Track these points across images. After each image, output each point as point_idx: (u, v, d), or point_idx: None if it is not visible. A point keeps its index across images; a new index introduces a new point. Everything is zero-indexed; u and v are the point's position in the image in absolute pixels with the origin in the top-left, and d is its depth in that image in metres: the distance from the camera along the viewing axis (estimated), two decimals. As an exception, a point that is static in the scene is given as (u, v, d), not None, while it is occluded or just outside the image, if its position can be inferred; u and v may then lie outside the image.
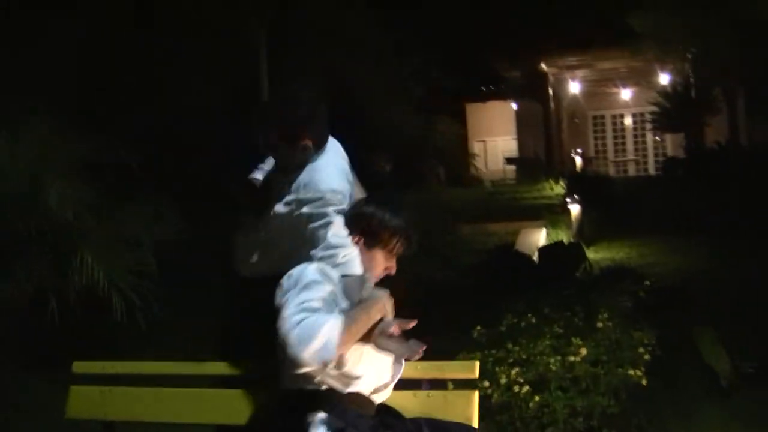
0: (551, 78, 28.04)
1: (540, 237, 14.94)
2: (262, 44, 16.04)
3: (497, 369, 5.40)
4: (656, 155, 31.87)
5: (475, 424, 3.34)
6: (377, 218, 3.37)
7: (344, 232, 3.36)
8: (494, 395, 5.21)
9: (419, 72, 22.51)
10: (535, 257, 12.14)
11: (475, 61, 27.28)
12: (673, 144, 29.81)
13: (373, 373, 3.21)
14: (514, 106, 31.56)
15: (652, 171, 30.80)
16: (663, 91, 26.02)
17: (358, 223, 3.38)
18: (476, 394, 3.40)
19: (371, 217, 3.37)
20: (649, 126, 28.82)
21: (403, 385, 3.41)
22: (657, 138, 31.31)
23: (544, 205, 19.80)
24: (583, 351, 5.44)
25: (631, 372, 5.33)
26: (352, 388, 3.16)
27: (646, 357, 5.58)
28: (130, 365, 4.22)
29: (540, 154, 28.91)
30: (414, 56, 23.12)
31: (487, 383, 5.22)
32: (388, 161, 19.69)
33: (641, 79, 28.77)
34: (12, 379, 8.15)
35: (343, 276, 3.25)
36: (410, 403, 3.43)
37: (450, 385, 3.71)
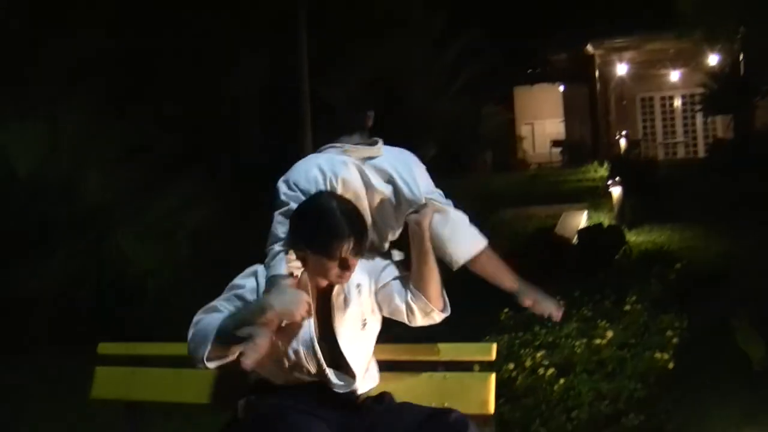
0: (598, 60, 27.72)
1: (581, 220, 14.78)
2: (302, 26, 16.02)
3: (522, 351, 5.40)
4: (706, 137, 31.41)
5: (491, 407, 3.31)
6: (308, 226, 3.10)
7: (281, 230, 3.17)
8: (519, 378, 5.21)
9: (466, 55, 22.37)
10: (575, 240, 12.03)
11: (522, 44, 27.08)
12: (723, 126, 29.36)
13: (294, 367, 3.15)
14: (561, 88, 31.32)
15: (701, 153, 30.36)
16: (711, 72, 25.60)
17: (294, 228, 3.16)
18: (493, 376, 3.35)
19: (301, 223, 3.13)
20: (698, 108, 28.40)
21: (419, 367, 3.41)
22: (707, 120, 30.84)
23: (586, 189, 19.63)
24: (609, 334, 5.42)
25: (659, 355, 5.29)
26: (280, 379, 3.18)
27: (675, 341, 5.54)
28: (154, 346, 4.29)
29: (586, 137, 28.67)
30: (461, 40, 23.02)
31: (511, 365, 5.22)
32: (431, 146, 19.63)
33: (691, 60, 28.29)
34: (45, 361, 8.31)
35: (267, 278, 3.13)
36: (426, 386, 3.41)
37: (476, 367, 3.72)
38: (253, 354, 2.89)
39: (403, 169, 3.29)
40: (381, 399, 3.24)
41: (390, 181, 3.27)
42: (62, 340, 8.36)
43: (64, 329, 8.29)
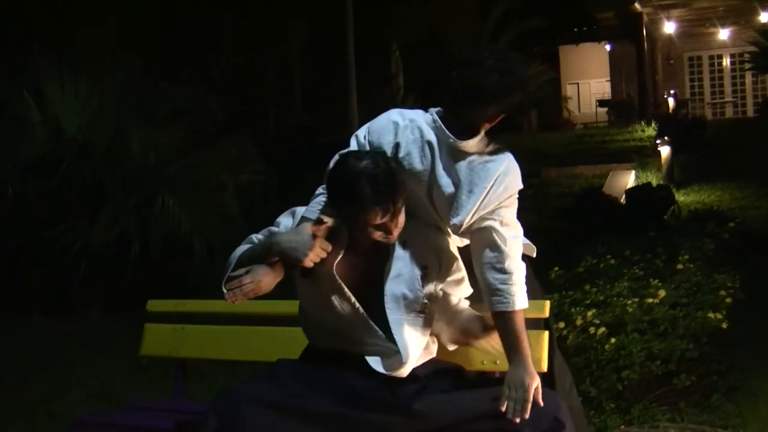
0: (646, 18, 27.25)
1: (629, 180, 14.64)
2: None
3: (573, 310, 5.31)
4: (755, 97, 30.91)
5: (545, 365, 3.20)
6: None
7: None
8: (570, 337, 5.14)
9: (513, 14, 22.15)
10: (623, 200, 11.94)
11: (568, 2, 26.75)
12: (773, 86, 28.93)
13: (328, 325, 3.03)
14: (607, 47, 30.94)
15: (750, 113, 29.89)
16: (762, 30, 25.09)
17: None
18: (546, 334, 3.25)
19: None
20: (748, 66, 27.91)
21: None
22: (756, 80, 30.35)
23: (634, 148, 19.43)
24: (662, 293, 5.31)
25: (711, 315, 5.18)
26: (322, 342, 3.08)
27: (728, 300, 5.42)
28: (203, 303, 4.29)
29: (633, 97, 28.32)
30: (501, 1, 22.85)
31: (562, 324, 5.15)
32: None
33: (740, 17, 27.74)
34: (92, 321, 8.42)
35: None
36: (479, 344, 3.34)
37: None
38: (237, 290, 2.81)
39: (474, 182, 2.95)
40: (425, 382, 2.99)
41: (455, 183, 2.97)
42: (109, 299, 8.46)
43: (112, 288, 8.38)
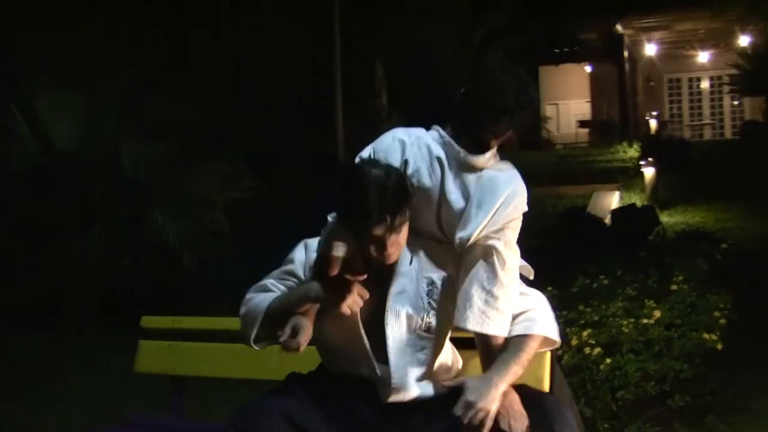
0: (627, 40, 27.49)
1: (613, 200, 14.72)
2: (336, 5, 16.01)
3: (568, 330, 5.34)
4: (733, 119, 31.22)
5: (547, 385, 3.17)
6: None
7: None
8: (565, 357, 5.16)
9: (497, 34, 22.25)
10: (608, 220, 11.99)
11: (549, 23, 26.90)
12: (751, 108, 29.13)
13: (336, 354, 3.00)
14: (588, 68, 31.13)
15: (729, 135, 30.17)
16: (744, 53, 25.36)
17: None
18: (548, 354, 3.21)
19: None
20: (726, 89, 28.18)
21: (471, 344, 3.30)
22: (735, 102, 30.66)
23: (617, 168, 19.55)
24: (657, 313, 5.35)
25: (707, 336, 5.22)
26: (335, 366, 3.03)
27: (722, 321, 5.46)
28: (198, 320, 4.30)
29: (614, 117, 28.50)
30: (487, 18, 22.92)
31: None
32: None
33: (720, 41, 28.03)
34: (84, 335, 8.36)
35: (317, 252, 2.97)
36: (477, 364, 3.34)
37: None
38: (291, 346, 2.77)
39: (484, 198, 2.93)
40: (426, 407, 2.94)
41: (465, 197, 2.94)
42: (99, 313, 8.42)
43: (102, 303, 8.34)
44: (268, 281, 3.01)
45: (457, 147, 2.96)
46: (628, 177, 17.61)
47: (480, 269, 2.92)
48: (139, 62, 10.09)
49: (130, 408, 5.80)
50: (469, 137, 2.97)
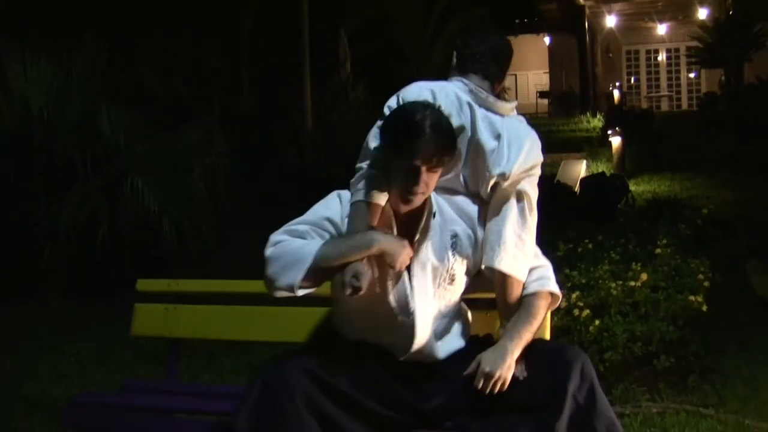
0: (588, 11, 27.62)
1: (581, 169, 14.82)
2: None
3: (557, 293, 5.38)
4: (690, 92, 31.58)
5: (548, 333, 3.29)
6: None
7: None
8: (554, 319, 5.22)
9: (458, 4, 22.24)
10: (576, 188, 12.09)
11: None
12: (707, 81, 29.48)
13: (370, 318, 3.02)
14: (546, 39, 31.24)
15: (685, 107, 30.50)
16: (703, 25, 25.59)
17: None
18: (547, 318, 3.27)
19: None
20: (684, 61, 28.47)
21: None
22: (692, 75, 31.01)
23: (582, 138, 19.71)
24: (644, 276, 5.42)
25: (692, 298, 5.30)
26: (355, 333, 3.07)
27: (706, 284, 5.56)
28: (195, 283, 4.26)
29: (574, 88, 28.68)
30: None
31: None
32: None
33: (679, 13, 28.30)
34: (63, 304, 8.28)
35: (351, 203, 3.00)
36: (476, 322, 3.32)
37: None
38: (360, 286, 2.79)
39: (513, 138, 3.05)
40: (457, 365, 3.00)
41: (497, 138, 3.04)
42: (76, 281, 8.34)
43: (81, 270, 8.26)
44: (302, 227, 2.98)
45: (484, 93, 3.10)
46: (594, 147, 17.79)
47: (512, 211, 3.03)
48: (107, 30, 9.99)
49: (110, 375, 5.82)
50: (483, 85, 3.15)
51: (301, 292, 2.90)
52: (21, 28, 9.07)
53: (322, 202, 3.08)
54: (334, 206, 3.04)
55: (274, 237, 2.95)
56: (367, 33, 20.59)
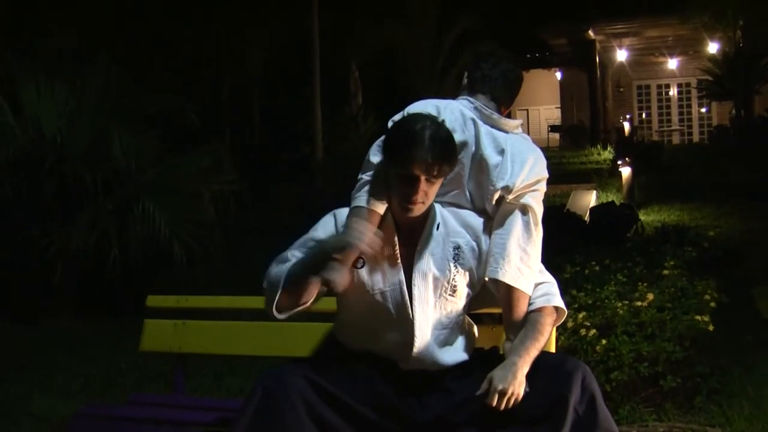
0: (598, 46, 27.73)
1: (591, 199, 14.87)
2: (314, 5, 16.10)
3: (563, 313, 5.40)
4: (701, 125, 31.60)
5: (552, 347, 3.31)
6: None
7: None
8: (561, 339, 5.23)
9: (468, 38, 22.39)
10: (587, 218, 12.12)
11: (521, 28, 27.09)
12: (718, 115, 29.52)
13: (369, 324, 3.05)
14: (558, 74, 31.35)
15: (696, 140, 30.50)
16: (713, 59, 25.67)
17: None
18: (553, 332, 3.25)
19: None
20: (695, 95, 28.50)
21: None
22: (703, 110, 31.07)
23: (592, 170, 19.80)
24: (650, 296, 5.44)
25: (698, 318, 5.31)
26: (356, 343, 3.10)
27: (712, 304, 5.56)
28: (203, 299, 4.31)
29: (583, 123, 28.77)
30: (458, 23, 23.05)
31: (553, 326, 5.22)
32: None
33: (689, 48, 28.41)
34: (73, 325, 8.33)
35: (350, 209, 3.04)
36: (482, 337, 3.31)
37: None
38: (338, 273, 2.80)
39: (516, 153, 3.07)
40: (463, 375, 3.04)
41: (501, 153, 3.07)
42: (85, 303, 8.39)
43: (91, 291, 8.31)
44: (289, 252, 3.03)
45: (488, 110, 3.14)
46: (604, 178, 17.85)
47: (517, 225, 3.04)
48: (119, 55, 10.09)
49: (119, 394, 5.84)
50: (488, 106, 3.17)
51: (282, 316, 2.96)
52: (36, 53, 9.15)
53: (318, 222, 3.12)
54: (326, 226, 3.08)
55: (268, 269, 3.01)
56: (378, 65, 20.74)
